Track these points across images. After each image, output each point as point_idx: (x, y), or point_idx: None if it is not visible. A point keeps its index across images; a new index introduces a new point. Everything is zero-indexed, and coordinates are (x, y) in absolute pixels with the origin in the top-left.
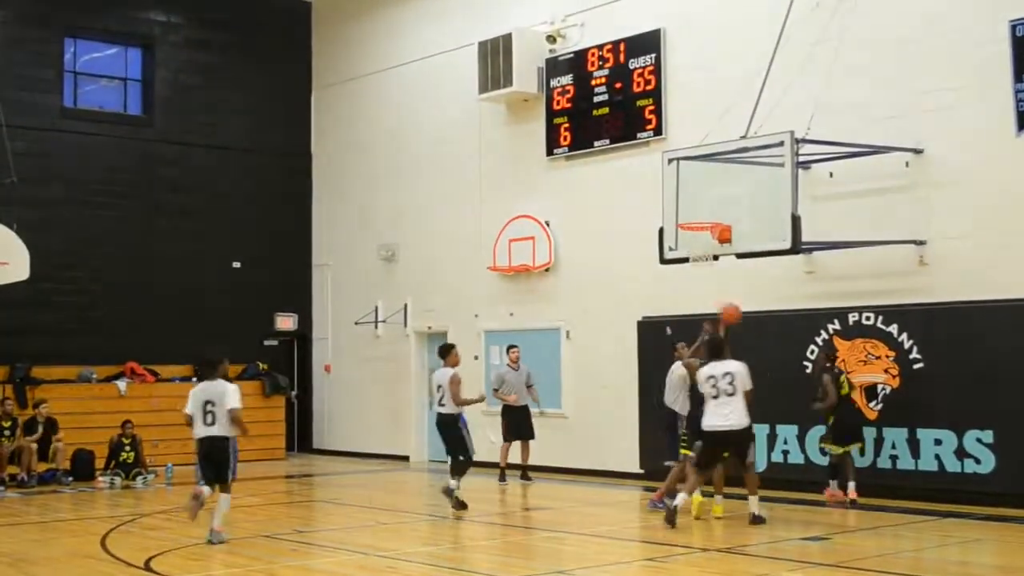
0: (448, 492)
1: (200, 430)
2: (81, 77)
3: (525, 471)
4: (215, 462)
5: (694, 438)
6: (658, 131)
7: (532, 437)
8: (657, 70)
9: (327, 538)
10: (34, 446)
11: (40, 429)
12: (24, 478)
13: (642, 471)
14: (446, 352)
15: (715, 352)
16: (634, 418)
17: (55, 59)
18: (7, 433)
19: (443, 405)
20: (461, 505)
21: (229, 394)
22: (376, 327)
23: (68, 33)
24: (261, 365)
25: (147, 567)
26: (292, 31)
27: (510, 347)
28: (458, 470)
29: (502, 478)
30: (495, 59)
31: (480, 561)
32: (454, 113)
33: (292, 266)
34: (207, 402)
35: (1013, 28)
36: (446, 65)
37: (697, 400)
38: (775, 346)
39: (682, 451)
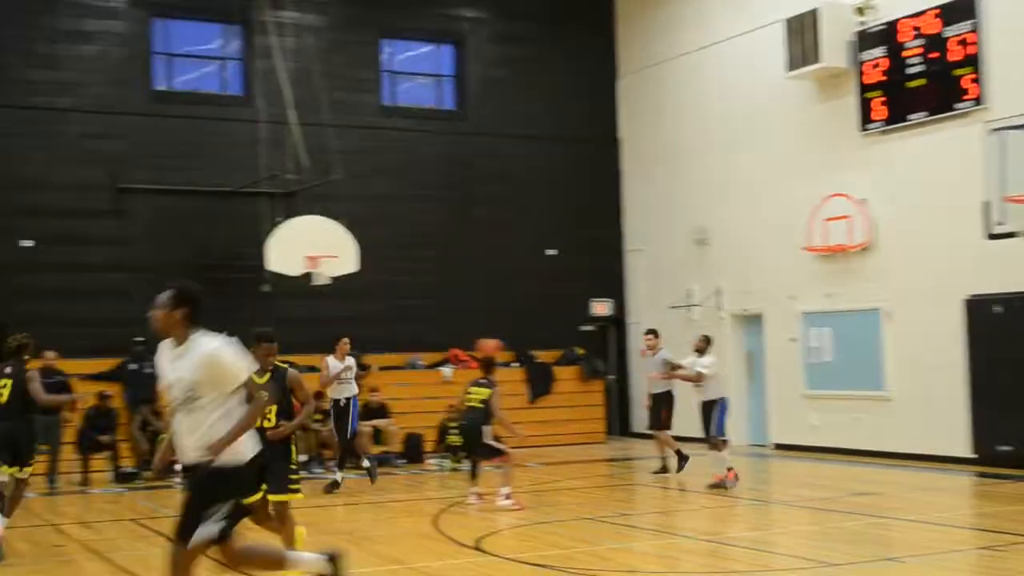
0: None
1: None
2: (397, 76)
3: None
4: None
5: None
6: (978, 101)
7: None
8: (976, 37)
9: (650, 521)
10: (369, 429)
11: (385, 414)
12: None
13: (975, 456)
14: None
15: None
16: (964, 400)
17: (373, 60)
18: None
19: None
20: None
21: None
22: (690, 311)
23: (384, 34)
24: (578, 350)
25: (477, 547)
26: (596, 19)
27: (648, 331)
28: None
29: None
30: (802, 36)
31: (801, 546)
32: (762, 93)
33: (605, 252)
34: None
35: None
36: (752, 45)
37: None
38: None
39: None
